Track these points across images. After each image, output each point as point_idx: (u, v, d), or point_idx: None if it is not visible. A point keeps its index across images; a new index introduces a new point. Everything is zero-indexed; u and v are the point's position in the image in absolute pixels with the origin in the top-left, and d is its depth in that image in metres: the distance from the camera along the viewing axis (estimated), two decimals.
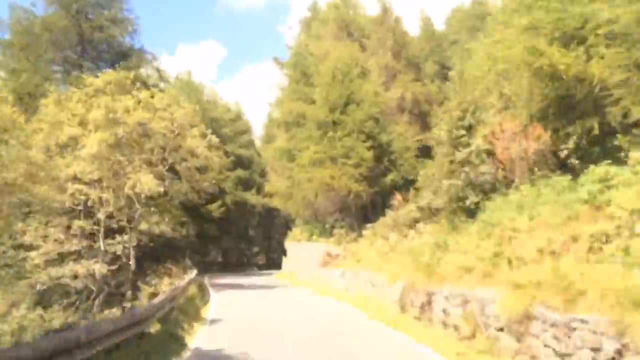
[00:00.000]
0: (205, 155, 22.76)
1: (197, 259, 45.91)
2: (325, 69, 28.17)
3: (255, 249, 64.49)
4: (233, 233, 54.23)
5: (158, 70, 32.28)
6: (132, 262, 21.52)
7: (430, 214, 18.82)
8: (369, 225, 24.37)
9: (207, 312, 15.89)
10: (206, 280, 27.83)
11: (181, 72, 44.80)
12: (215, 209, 39.10)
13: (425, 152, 31.85)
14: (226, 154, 45.83)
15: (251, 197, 45.82)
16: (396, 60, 35.41)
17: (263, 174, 52.08)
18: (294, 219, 51.39)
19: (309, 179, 26.27)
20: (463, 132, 13.07)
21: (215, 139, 24.53)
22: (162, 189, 20.20)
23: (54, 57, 27.42)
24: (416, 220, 18.78)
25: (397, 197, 25.50)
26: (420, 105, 32.54)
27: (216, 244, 52.26)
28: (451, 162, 12.98)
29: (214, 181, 25.79)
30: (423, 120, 34.31)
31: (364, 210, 27.23)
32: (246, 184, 46.86)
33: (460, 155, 12.91)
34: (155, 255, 28.25)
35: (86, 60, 27.77)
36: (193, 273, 21.48)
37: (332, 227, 27.89)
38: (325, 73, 27.94)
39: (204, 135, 23.25)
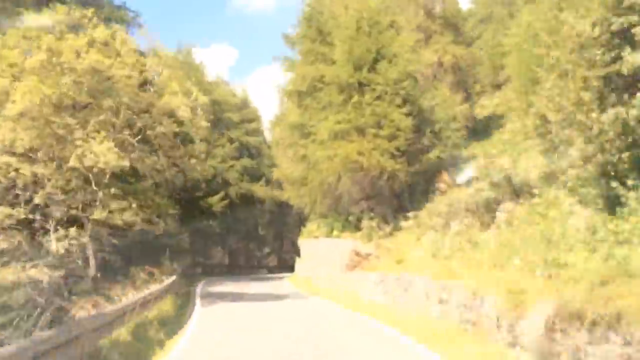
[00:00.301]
0: (189, 118, 16.89)
1: (199, 261, 40.44)
2: (347, 19, 22.21)
3: (267, 250, 58.79)
4: (241, 232, 48.68)
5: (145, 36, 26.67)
6: (92, 264, 15.83)
7: (512, 191, 12.80)
8: (410, 214, 18.43)
9: (168, 353, 9.15)
10: (199, 287, 22.11)
11: (181, 48, 39.01)
12: (216, 201, 33.36)
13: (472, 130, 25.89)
14: (230, 141, 40.31)
15: (259, 189, 39.98)
16: (430, 19, 29.41)
17: (273, 166, 46.40)
18: (308, 214, 45.82)
19: (329, 157, 20.35)
20: (636, 18, 7.00)
21: (203, 99, 18.73)
22: (126, 164, 14.43)
23: None
24: (494, 202, 12.73)
25: (444, 178, 19.53)
26: (461, 72, 26.48)
27: (221, 243, 46.65)
28: (605, 78, 7.02)
29: (202, 155, 19.94)
30: (466, 91, 28.25)
31: (398, 198, 21.23)
32: (253, 175, 41.08)
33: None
34: (137, 256, 22.65)
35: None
36: (169, 280, 15.57)
37: (359, 219, 21.94)
38: (347, 24, 21.98)
39: (187, 94, 17.36)
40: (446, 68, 26.99)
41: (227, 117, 41.27)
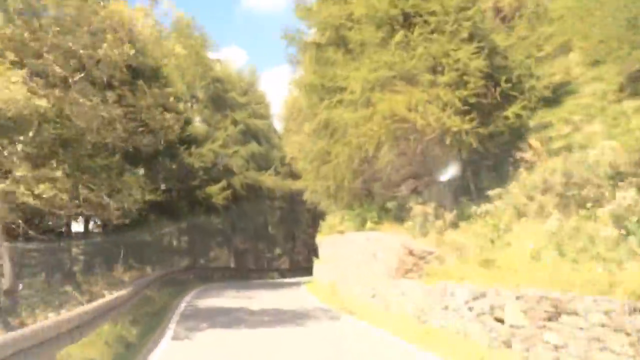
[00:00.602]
0: (152, 37, 11.00)
1: (200, 263, 34.69)
2: None
3: (278, 251, 53.05)
4: (248, 231, 43.14)
5: None
6: (6, 272, 10.21)
7: None
8: (494, 192, 12.49)
9: None
10: (187, 299, 16.32)
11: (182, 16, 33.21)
12: (217, 192, 27.64)
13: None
14: (234, 123, 34.64)
15: (268, 179, 34.18)
16: None
17: (284, 158, 40.52)
18: (327, 206, 40.44)
19: (363, 118, 14.51)
20: None
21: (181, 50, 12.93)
22: (44, 103, 8.69)
23: None
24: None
25: (534, 145, 13.66)
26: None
27: (226, 244, 40.94)
28: None
29: (180, 107, 14.47)
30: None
31: (462, 174, 15.21)
32: (261, 164, 35.35)
33: None
34: (115, 257, 17.09)
35: None
36: (110, 297, 9.51)
37: (401, 206, 16.07)
38: None
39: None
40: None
41: (230, 96, 35.61)
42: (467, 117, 13.28)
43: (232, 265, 41.00)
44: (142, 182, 15.42)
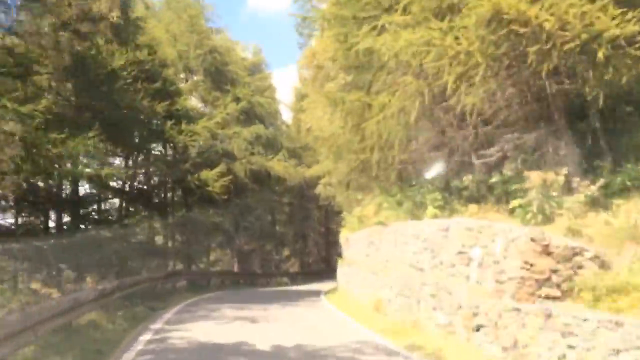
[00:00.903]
0: None
1: (192, 269, 29.16)
2: None
3: (286, 252, 47.25)
4: (254, 230, 37.72)
5: None
6: None
7: None
8: None
9: None
10: (161, 321, 10.63)
11: None
12: (214, 178, 22.05)
13: None
14: (236, 100, 29.04)
15: (276, 165, 28.48)
16: None
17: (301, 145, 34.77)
18: (338, 207, 35.19)
19: (441, 31, 8.89)
20: None
21: None
22: None
23: None
24: None
25: None
26: None
27: (228, 244, 35.30)
28: None
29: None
30: None
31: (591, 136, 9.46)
32: (269, 149, 29.70)
33: None
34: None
35: None
36: None
37: (487, 183, 10.36)
38: None
39: None
40: None
41: (230, 70, 30.06)
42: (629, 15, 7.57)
43: (236, 269, 35.39)
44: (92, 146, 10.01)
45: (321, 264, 48.90)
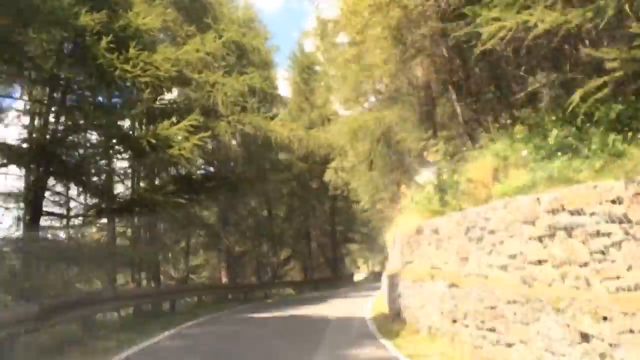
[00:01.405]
0: None
1: (154, 286, 19.80)
2: None
3: (285, 254, 38.23)
4: (247, 226, 29.55)
5: None
6: None
7: None
8: None
9: None
10: None
11: None
12: (179, 133, 13.36)
13: None
14: (219, 36, 20.32)
15: (280, 128, 19.52)
16: None
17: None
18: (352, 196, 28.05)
19: None
20: None
21: None
22: None
23: None
24: None
25: None
26: None
27: (213, 245, 26.58)
28: None
29: None
30: None
31: None
32: (265, 105, 20.96)
33: None
34: None
35: None
36: None
37: None
38: None
39: None
40: None
41: (213, 1, 21.45)
42: None
43: (224, 276, 26.82)
44: None
45: (326, 268, 40.98)
